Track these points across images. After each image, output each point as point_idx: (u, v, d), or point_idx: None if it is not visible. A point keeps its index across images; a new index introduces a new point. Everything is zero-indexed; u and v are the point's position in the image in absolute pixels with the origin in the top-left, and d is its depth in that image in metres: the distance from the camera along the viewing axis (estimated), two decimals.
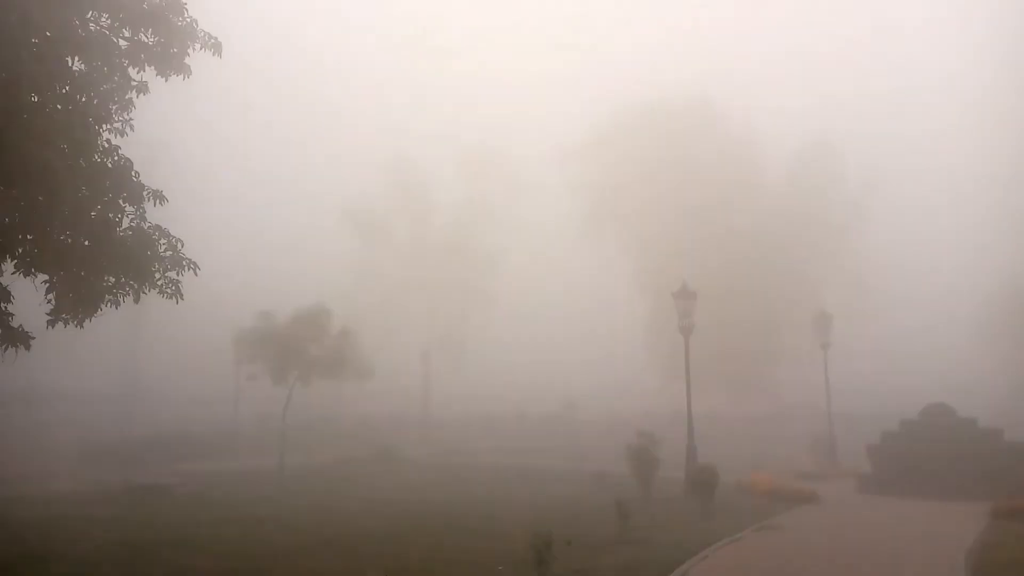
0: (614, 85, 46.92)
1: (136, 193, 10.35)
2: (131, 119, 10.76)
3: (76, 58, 10.00)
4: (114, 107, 10.63)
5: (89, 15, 10.13)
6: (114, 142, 10.44)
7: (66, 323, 10.01)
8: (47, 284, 9.85)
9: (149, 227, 10.48)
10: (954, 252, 51.62)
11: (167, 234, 10.51)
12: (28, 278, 9.65)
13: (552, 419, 40.51)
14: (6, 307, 9.53)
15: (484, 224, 44.16)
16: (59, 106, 9.86)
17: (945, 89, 53.88)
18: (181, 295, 10.51)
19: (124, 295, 10.23)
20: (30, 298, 9.94)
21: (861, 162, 42.81)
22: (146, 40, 10.46)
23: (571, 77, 57.21)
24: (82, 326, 10.21)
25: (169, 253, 10.43)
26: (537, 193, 46.56)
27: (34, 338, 9.76)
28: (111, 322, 12.34)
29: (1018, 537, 12.43)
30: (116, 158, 10.25)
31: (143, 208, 10.50)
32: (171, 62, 10.52)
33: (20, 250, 9.57)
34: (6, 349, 9.54)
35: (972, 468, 16.26)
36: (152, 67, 10.55)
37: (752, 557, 11.36)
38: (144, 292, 10.29)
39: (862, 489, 18.03)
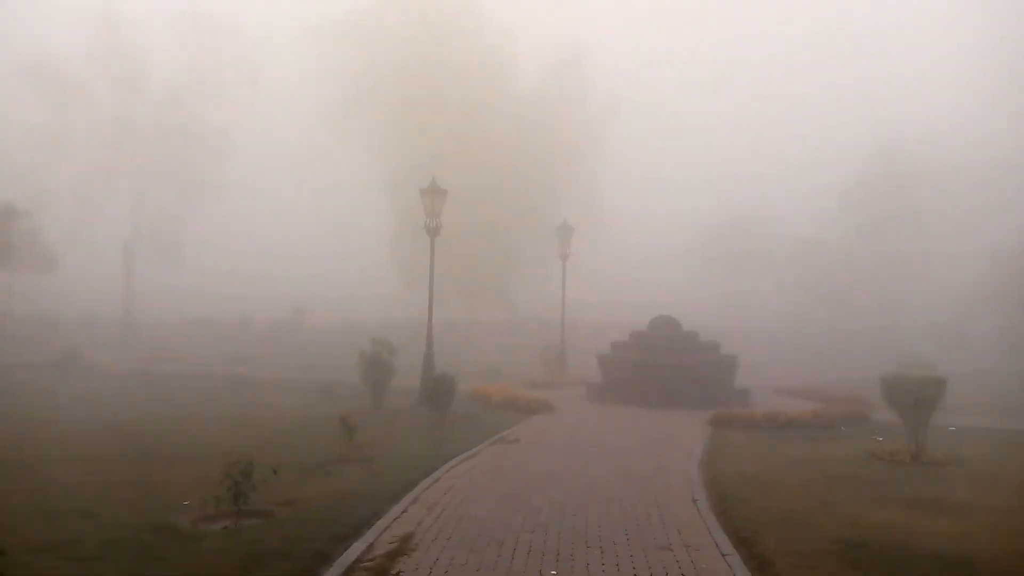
0: None
1: None
2: None
3: None
4: None
5: None
6: None
7: None
8: None
9: None
10: (677, 192, 55.86)
11: None
12: None
13: (281, 325, 37.56)
14: None
15: (211, 105, 38.62)
16: None
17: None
18: None
19: None
20: None
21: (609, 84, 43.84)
22: None
23: None
24: None
25: None
26: (285, 76, 41.77)
27: None
28: None
29: (734, 445, 12.76)
30: None
31: None
32: None
33: None
34: None
35: (692, 377, 16.82)
36: None
37: (488, 475, 10.23)
38: None
39: (592, 397, 18.06)
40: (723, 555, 7.03)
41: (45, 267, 21.75)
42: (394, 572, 6.60)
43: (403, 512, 8.38)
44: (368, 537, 7.51)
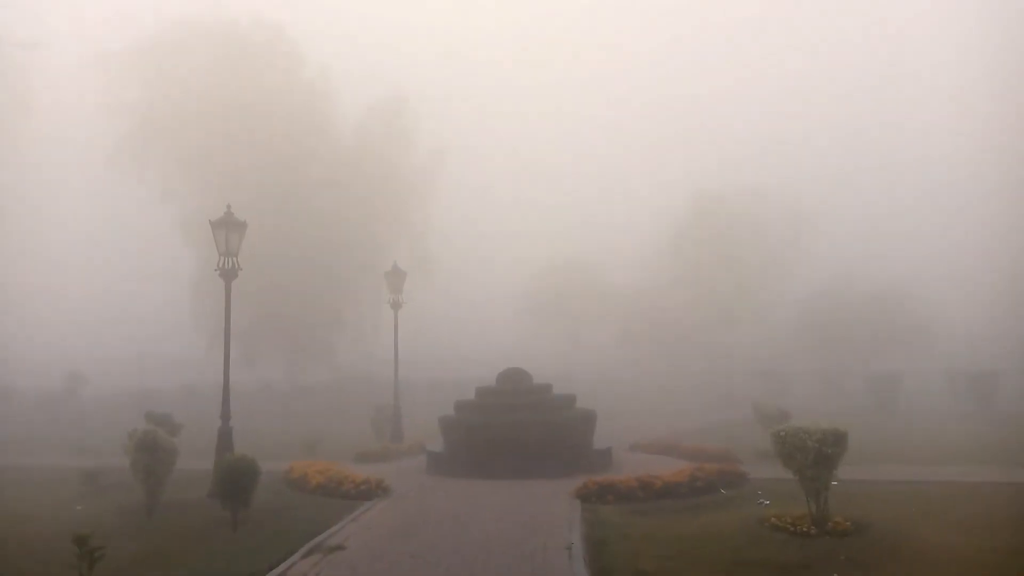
0: None
1: None
2: None
3: None
4: None
5: None
6: None
7: None
8: None
9: None
10: (515, 233, 54.87)
11: None
12: None
13: (54, 398, 31.36)
14: None
15: None
16: None
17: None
18: None
19: None
20: None
21: (437, 127, 41.97)
22: None
23: None
24: None
25: None
26: (66, 106, 36.08)
27: None
28: None
29: (614, 527, 10.44)
30: None
31: None
32: None
33: None
34: None
35: (549, 437, 14.48)
36: None
37: None
38: None
39: (434, 469, 15.19)
40: None
41: None
42: None
43: None
44: None
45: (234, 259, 13.52)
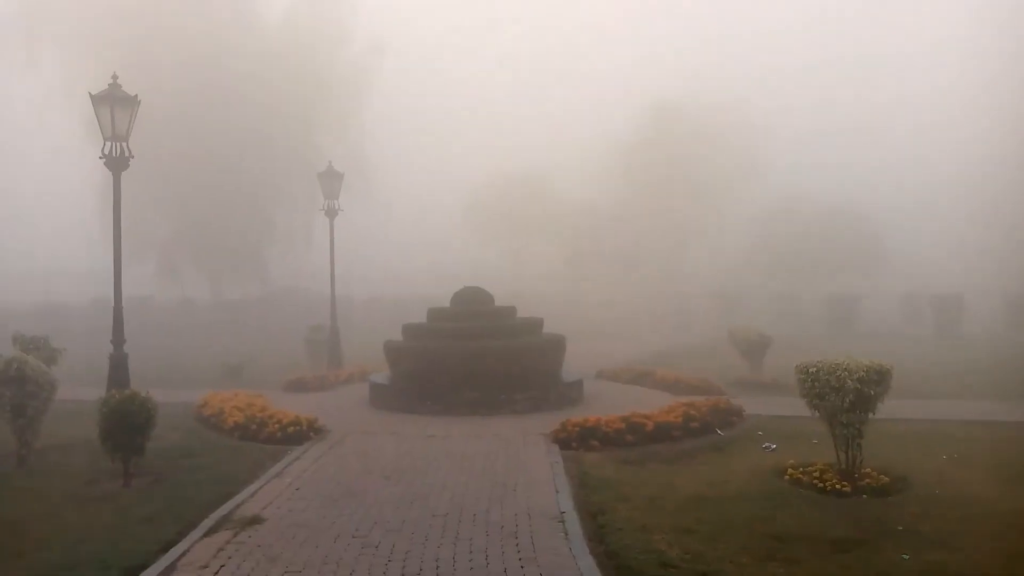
0: None
1: None
2: None
3: None
4: None
5: None
6: None
7: None
8: None
9: None
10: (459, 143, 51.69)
11: None
12: None
13: None
14: None
15: None
16: None
17: None
18: None
19: None
20: None
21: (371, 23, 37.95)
22: None
23: None
24: None
25: None
26: None
27: None
28: None
29: (607, 483, 8.53)
30: None
31: None
32: None
33: None
34: None
35: (515, 368, 12.38)
36: None
37: None
38: None
39: (378, 403, 13.01)
40: None
41: None
42: None
43: None
44: None
45: (123, 144, 10.65)
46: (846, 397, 8.17)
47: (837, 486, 8.06)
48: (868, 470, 8.38)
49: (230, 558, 6.14)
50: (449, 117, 53.87)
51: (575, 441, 9.73)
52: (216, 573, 5.86)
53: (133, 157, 10.73)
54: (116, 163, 10.57)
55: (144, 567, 5.97)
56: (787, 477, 8.48)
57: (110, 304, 11.14)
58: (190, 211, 32.50)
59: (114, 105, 10.42)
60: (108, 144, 10.59)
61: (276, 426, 10.42)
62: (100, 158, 10.69)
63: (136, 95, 10.66)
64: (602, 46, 53.98)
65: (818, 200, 37.87)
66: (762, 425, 11.31)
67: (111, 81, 10.62)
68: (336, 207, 17.45)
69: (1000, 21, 38.85)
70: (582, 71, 52.58)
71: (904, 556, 6.23)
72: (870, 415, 8.35)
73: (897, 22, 46.85)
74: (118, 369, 10.73)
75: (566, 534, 6.58)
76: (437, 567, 5.93)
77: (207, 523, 6.96)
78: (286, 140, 33.26)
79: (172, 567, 5.96)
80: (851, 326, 28.23)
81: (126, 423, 8.53)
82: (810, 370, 8.53)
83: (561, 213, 43.35)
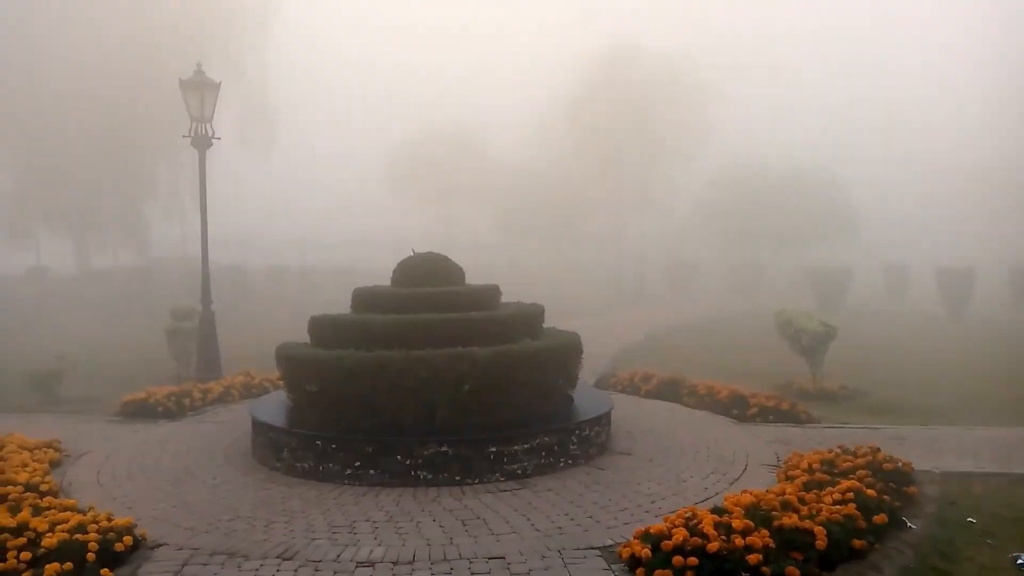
0: None
1: None
2: None
3: None
4: None
5: None
6: None
7: None
8: None
9: None
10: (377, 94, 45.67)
11: None
12: None
13: None
14: None
15: None
16: None
17: None
18: None
19: None
20: None
21: None
22: None
23: None
24: None
25: None
26: None
27: None
28: None
29: None
30: None
31: None
32: None
33: None
34: None
35: (499, 389, 7.22)
36: None
37: None
38: None
39: (265, 456, 7.58)
40: None
41: None
42: None
43: None
44: None
45: None
46: None
47: None
48: None
49: None
50: (371, 68, 47.67)
51: None
52: None
53: None
54: None
55: None
56: None
57: None
58: (47, 166, 26.11)
59: None
60: None
61: (22, 556, 4.85)
62: None
63: None
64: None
65: (780, 168, 34.07)
66: (950, 494, 6.64)
67: None
68: (210, 133, 11.56)
69: None
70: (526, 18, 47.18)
71: None
72: None
73: None
74: None
75: None
76: None
77: None
78: (173, 78, 26.70)
79: None
80: (841, 302, 24.05)
81: None
82: None
83: (497, 174, 38.07)
